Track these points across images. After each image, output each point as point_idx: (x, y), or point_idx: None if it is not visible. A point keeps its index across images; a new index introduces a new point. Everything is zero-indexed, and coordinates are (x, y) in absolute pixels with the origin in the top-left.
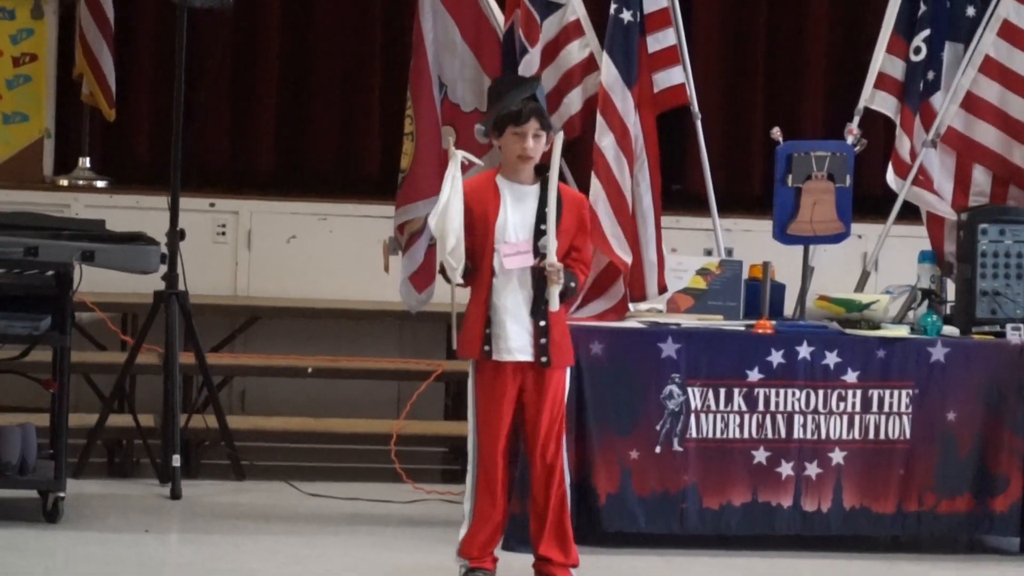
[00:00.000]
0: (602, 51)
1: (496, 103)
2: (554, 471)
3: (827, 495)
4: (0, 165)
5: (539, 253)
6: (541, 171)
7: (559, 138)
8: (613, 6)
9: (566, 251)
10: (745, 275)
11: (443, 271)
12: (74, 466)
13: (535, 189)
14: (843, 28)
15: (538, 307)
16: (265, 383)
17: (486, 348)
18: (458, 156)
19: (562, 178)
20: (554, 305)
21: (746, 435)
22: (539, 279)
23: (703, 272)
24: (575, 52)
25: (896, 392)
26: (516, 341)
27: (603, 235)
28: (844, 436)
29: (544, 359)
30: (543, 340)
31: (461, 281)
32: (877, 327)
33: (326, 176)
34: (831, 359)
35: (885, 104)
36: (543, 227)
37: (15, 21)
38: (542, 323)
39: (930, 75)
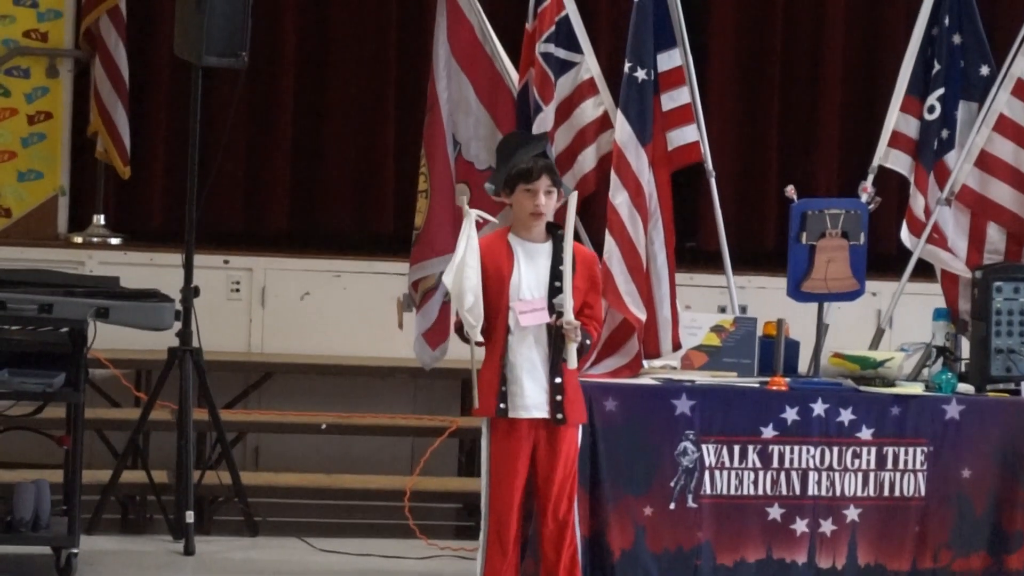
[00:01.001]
0: (616, 109)
1: (505, 161)
2: (566, 528)
3: (842, 552)
4: (15, 222)
5: (554, 310)
6: (552, 228)
7: (574, 197)
8: (627, 64)
9: (579, 308)
10: (759, 332)
11: (460, 330)
12: (87, 522)
13: (547, 247)
14: (857, 87)
15: (555, 364)
16: (279, 439)
17: (502, 406)
18: (472, 214)
19: (575, 235)
20: (572, 363)
21: (760, 492)
22: (555, 336)
23: (717, 329)
24: (589, 110)
25: (911, 449)
26: (533, 398)
27: (617, 292)
28: (859, 493)
29: (560, 416)
30: (559, 397)
31: (480, 339)
32: (892, 384)
33: (340, 233)
34: (846, 416)
35: (899, 162)
36: (557, 284)
37: (30, 80)
38: (558, 380)
39: (944, 134)
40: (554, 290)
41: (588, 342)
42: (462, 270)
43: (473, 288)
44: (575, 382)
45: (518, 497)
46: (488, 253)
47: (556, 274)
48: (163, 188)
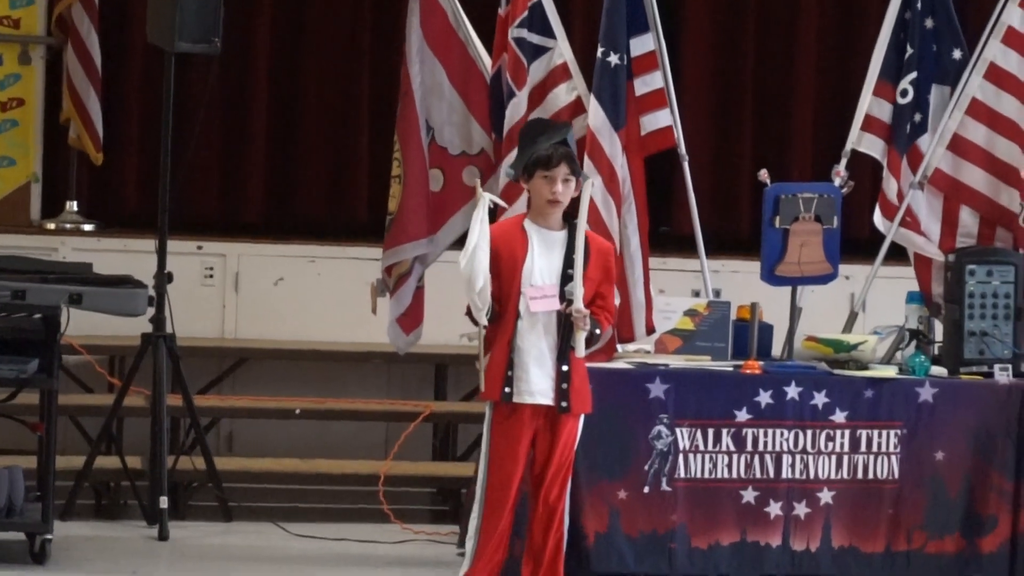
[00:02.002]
0: (589, 94)
1: (527, 147)
2: (555, 514)
3: (816, 535)
4: None
5: (565, 298)
6: (569, 218)
7: (588, 184)
8: (600, 49)
9: (591, 298)
10: (733, 316)
11: (469, 313)
12: (61, 508)
13: (563, 235)
14: (831, 71)
15: (562, 352)
16: (253, 425)
17: (507, 390)
18: (485, 198)
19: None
20: (580, 351)
21: (734, 475)
22: (564, 324)
23: (691, 313)
24: (562, 95)
25: (884, 432)
26: (538, 384)
27: None
28: (833, 476)
29: (564, 404)
30: (564, 385)
31: (486, 323)
32: (865, 368)
33: (314, 219)
34: (819, 399)
35: (872, 146)
36: (570, 272)
37: (2, 66)
38: (564, 368)
39: (917, 117)
40: (567, 278)
41: (598, 332)
42: (475, 254)
43: (484, 272)
44: (582, 371)
45: (516, 482)
46: (503, 237)
47: (570, 262)
48: (136, 174)
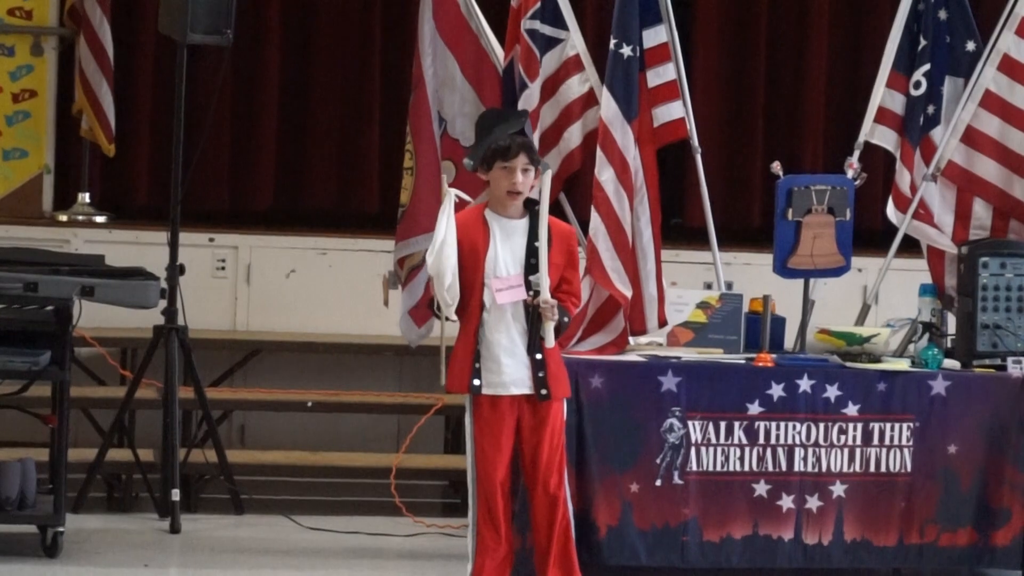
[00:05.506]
0: (602, 86)
1: (483, 138)
2: (557, 502)
3: (828, 528)
4: (0, 201)
5: (530, 287)
6: (529, 204)
7: (548, 174)
8: (613, 41)
9: (556, 284)
10: (745, 308)
11: (431, 307)
12: (73, 501)
13: (524, 223)
14: (843, 63)
15: (533, 341)
16: (265, 417)
17: (475, 382)
18: (451, 194)
19: (561, 212)
20: (550, 342)
21: (747, 468)
22: (533, 315)
23: (703, 305)
24: (575, 87)
25: (897, 425)
26: (512, 375)
27: (603, 269)
28: (845, 469)
29: (544, 392)
30: (540, 374)
31: (454, 317)
32: (878, 360)
33: (326, 210)
34: (832, 392)
35: (885, 138)
36: (533, 261)
37: (15, 58)
38: (538, 357)
39: (930, 109)
40: (530, 267)
41: (567, 319)
42: (442, 250)
43: (452, 267)
44: (557, 356)
45: (503, 472)
46: (464, 229)
47: (532, 250)
48: (148, 166)
